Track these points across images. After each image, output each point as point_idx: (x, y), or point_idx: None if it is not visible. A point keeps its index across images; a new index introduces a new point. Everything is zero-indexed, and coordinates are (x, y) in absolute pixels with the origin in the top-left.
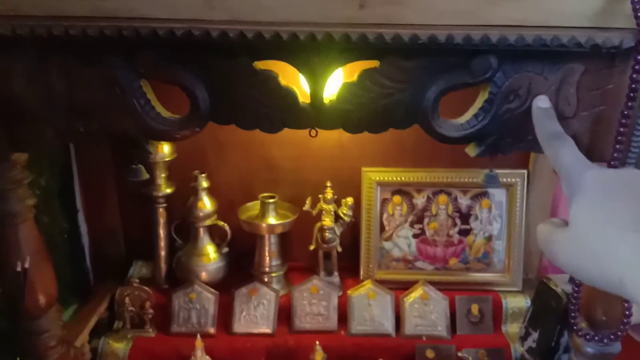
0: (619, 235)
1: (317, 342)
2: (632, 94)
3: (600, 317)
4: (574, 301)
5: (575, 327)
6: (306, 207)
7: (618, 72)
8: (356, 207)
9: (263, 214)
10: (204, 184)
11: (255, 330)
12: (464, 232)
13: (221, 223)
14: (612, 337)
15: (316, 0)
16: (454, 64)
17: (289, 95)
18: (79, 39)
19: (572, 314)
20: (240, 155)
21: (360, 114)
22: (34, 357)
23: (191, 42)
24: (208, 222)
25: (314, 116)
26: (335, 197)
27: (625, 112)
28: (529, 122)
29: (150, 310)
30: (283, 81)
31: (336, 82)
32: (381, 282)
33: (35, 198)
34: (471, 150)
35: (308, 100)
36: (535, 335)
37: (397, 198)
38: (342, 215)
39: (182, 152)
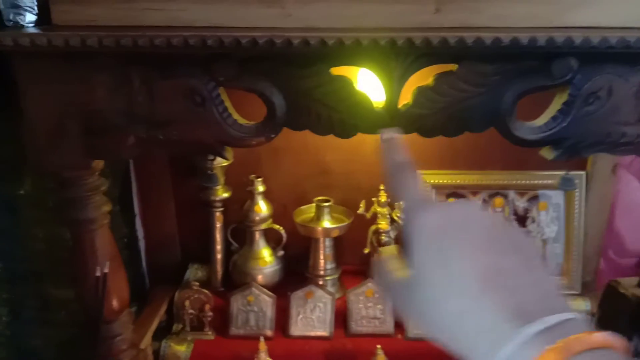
0: (462, 304)
1: (379, 346)
2: None
3: None
4: None
5: None
6: (360, 210)
7: None
8: None
9: (318, 217)
10: (260, 188)
11: (312, 333)
12: None
13: (277, 227)
14: None
15: (391, 5)
16: (533, 66)
17: (364, 101)
18: (162, 49)
19: None
20: (293, 160)
21: (435, 118)
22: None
23: (270, 50)
24: (264, 226)
25: (389, 121)
26: (389, 200)
27: None
28: (608, 124)
29: (210, 313)
30: (355, 83)
31: (408, 88)
32: None
33: (110, 205)
34: (547, 153)
35: (381, 105)
36: None
37: (452, 201)
38: (396, 218)
39: (238, 158)
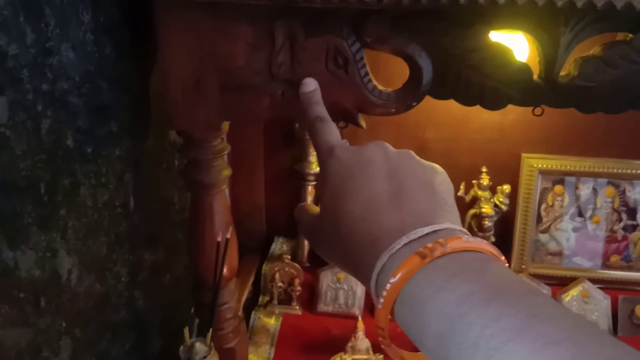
0: (349, 226)
1: None
2: None
3: None
4: None
5: None
6: (460, 192)
7: None
8: (512, 196)
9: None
10: None
11: None
12: (630, 228)
13: None
14: None
15: None
16: None
17: (523, 71)
18: (315, 3)
19: None
20: (392, 135)
21: (600, 92)
22: (213, 328)
23: (430, 8)
24: None
25: (547, 93)
26: (491, 183)
27: None
28: None
29: (299, 288)
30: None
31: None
32: (534, 276)
33: (230, 170)
34: None
35: (541, 76)
36: None
37: (558, 188)
38: (497, 203)
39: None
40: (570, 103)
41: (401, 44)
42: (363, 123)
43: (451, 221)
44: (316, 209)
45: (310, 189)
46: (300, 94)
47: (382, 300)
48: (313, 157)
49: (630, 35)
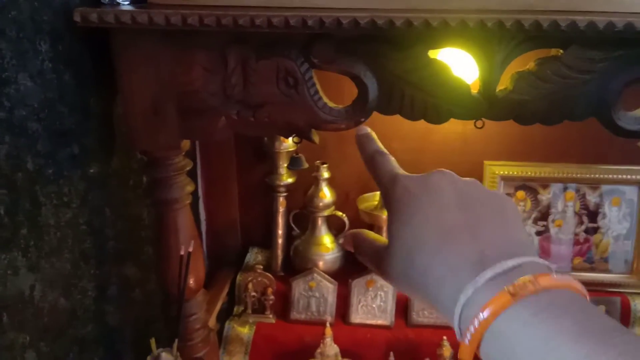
0: (424, 259)
1: (445, 337)
2: None
3: None
4: None
5: None
6: None
7: None
8: None
9: (382, 205)
10: (325, 174)
11: (373, 322)
12: (591, 231)
13: (339, 214)
14: None
15: None
16: None
17: (461, 86)
18: (262, 29)
19: None
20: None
21: (536, 105)
22: (181, 338)
23: (371, 31)
24: (327, 212)
25: (485, 107)
26: None
27: None
28: None
29: (272, 297)
30: (455, 72)
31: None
32: None
33: (193, 185)
34: None
35: (478, 91)
36: None
37: (520, 193)
38: None
39: (303, 143)
40: (508, 116)
41: (347, 64)
42: (316, 139)
43: (530, 252)
44: (378, 237)
45: (281, 200)
46: (356, 137)
47: (469, 336)
48: (282, 170)
49: (561, 51)
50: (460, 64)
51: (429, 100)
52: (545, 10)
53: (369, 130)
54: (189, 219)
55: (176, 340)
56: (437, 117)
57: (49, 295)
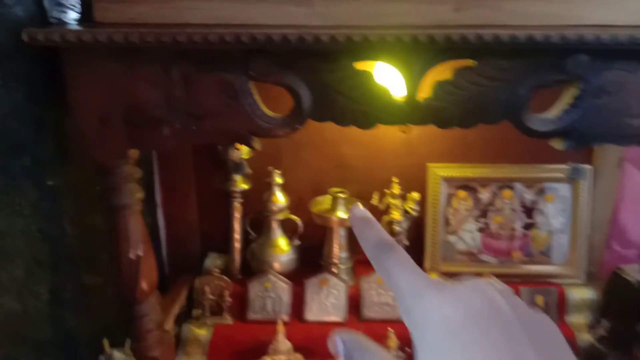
0: None
1: (390, 329)
2: None
3: None
4: None
5: None
6: (374, 201)
7: None
8: (422, 203)
9: (333, 207)
10: (278, 180)
11: (327, 319)
12: (528, 226)
13: (293, 217)
14: None
15: (412, 4)
16: (547, 62)
17: (385, 94)
18: (199, 45)
19: None
20: (312, 154)
21: (453, 111)
22: (135, 339)
23: (300, 46)
24: (281, 216)
25: (409, 113)
26: (402, 192)
27: None
28: (617, 117)
29: (229, 299)
30: (378, 81)
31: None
32: (446, 275)
33: (143, 192)
34: (558, 144)
35: (402, 99)
36: (606, 324)
37: (462, 193)
38: (408, 209)
39: (258, 151)
40: (429, 121)
41: (282, 77)
42: (258, 145)
43: None
44: (379, 352)
45: (237, 205)
46: (350, 220)
47: None
48: (238, 177)
49: (474, 62)
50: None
51: (357, 108)
52: (459, 25)
53: (366, 213)
54: (139, 225)
55: (128, 340)
56: (365, 123)
57: (2, 300)
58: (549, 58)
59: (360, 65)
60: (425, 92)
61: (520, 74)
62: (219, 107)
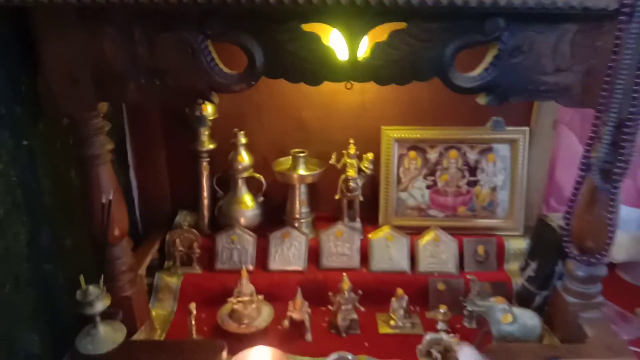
0: None
1: (344, 274)
2: (616, 49)
3: (589, 243)
4: (566, 232)
5: (568, 252)
6: (332, 160)
7: (606, 31)
8: (376, 162)
9: (294, 166)
10: (243, 140)
11: (289, 268)
12: (472, 184)
13: (257, 175)
14: (598, 257)
15: None
16: (469, 25)
17: (330, 54)
18: (160, 7)
19: (566, 243)
20: (274, 117)
21: (389, 69)
22: (108, 279)
23: (251, 8)
24: (246, 174)
25: (351, 71)
26: (358, 152)
27: (610, 64)
28: (530, 74)
29: (198, 250)
30: (325, 41)
31: (367, 43)
32: (397, 227)
33: (113, 144)
34: (482, 99)
35: (345, 58)
36: (534, 265)
37: (412, 153)
38: (363, 168)
39: (223, 113)
40: (369, 78)
41: (236, 37)
42: (216, 99)
43: None
44: None
45: (204, 164)
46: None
47: None
48: (204, 137)
49: (406, 24)
50: None
51: (305, 66)
52: None
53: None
54: (110, 174)
55: (102, 276)
56: (313, 79)
57: None
58: (471, 21)
59: (309, 28)
60: (365, 52)
61: (446, 36)
62: (179, 64)
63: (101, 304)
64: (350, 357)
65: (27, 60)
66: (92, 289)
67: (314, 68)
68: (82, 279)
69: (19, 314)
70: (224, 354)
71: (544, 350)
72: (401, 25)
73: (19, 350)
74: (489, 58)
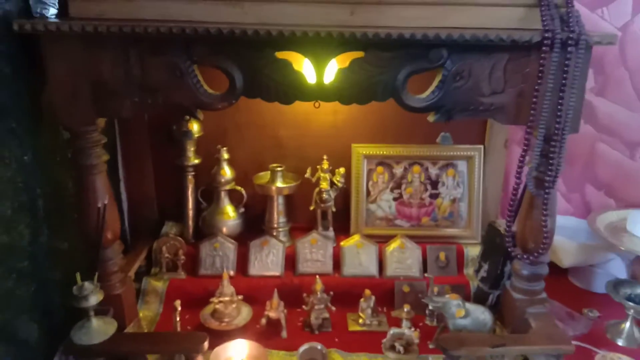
0: None
1: (317, 276)
2: (540, 75)
3: (530, 245)
4: (508, 235)
5: (511, 252)
6: (307, 174)
7: (533, 59)
8: (347, 176)
9: (273, 179)
10: (225, 155)
11: (267, 273)
12: (434, 196)
13: (239, 188)
14: (536, 254)
15: (319, 8)
16: (417, 54)
17: (300, 77)
18: (153, 35)
19: (508, 244)
20: (253, 134)
21: (350, 91)
22: (100, 279)
23: (231, 38)
24: (228, 187)
25: (318, 92)
26: (331, 167)
27: (537, 87)
28: (470, 96)
29: (183, 257)
30: (296, 67)
31: (333, 69)
32: (367, 236)
33: (108, 155)
34: (431, 117)
35: (313, 81)
36: (486, 267)
37: (380, 168)
38: (336, 182)
39: (207, 131)
40: (334, 99)
41: (218, 61)
42: (201, 116)
43: None
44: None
45: (190, 177)
46: None
47: None
48: (190, 153)
49: (363, 53)
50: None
51: (279, 88)
52: (352, 26)
53: None
54: (105, 181)
55: (96, 273)
56: (286, 99)
57: None
58: (418, 51)
59: (283, 55)
60: (330, 76)
61: (398, 63)
62: (168, 84)
63: (95, 298)
64: (319, 347)
65: (33, 79)
66: (87, 284)
67: (286, 89)
68: (78, 276)
69: (20, 305)
70: (206, 344)
71: (491, 339)
72: (360, 54)
73: (20, 338)
74: (435, 82)
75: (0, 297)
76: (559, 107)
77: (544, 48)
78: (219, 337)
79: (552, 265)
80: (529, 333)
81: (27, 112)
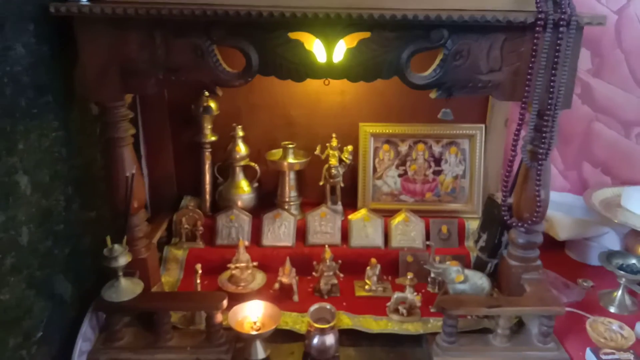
0: None
1: (326, 246)
2: (533, 54)
3: (525, 214)
4: (504, 205)
5: (507, 221)
6: (317, 151)
7: (527, 39)
8: (354, 153)
9: (284, 156)
10: (240, 133)
11: (279, 244)
12: (437, 173)
13: (253, 164)
14: (530, 222)
15: None
16: (419, 34)
17: (311, 56)
18: (177, 17)
19: (504, 214)
20: (266, 114)
21: (358, 69)
22: (128, 244)
23: (248, 19)
24: (243, 163)
25: (327, 70)
26: (339, 145)
27: (530, 66)
28: (469, 74)
29: (201, 228)
30: (307, 47)
31: (342, 48)
32: (373, 211)
33: (134, 129)
34: (432, 94)
35: (323, 60)
36: (484, 237)
37: (386, 146)
38: (344, 159)
39: (223, 111)
40: (343, 76)
41: (236, 42)
42: (220, 92)
43: None
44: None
45: (207, 154)
46: None
47: None
48: (207, 130)
49: (369, 33)
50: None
51: (291, 66)
52: (360, 7)
53: None
54: (132, 153)
55: (125, 237)
56: (298, 77)
57: (35, 194)
58: (420, 31)
59: (295, 35)
60: (339, 55)
61: (402, 43)
62: (190, 63)
63: (124, 259)
64: (328, 306)
65: (67, 58)
66: (117, 246)
67: (298, 68)
68: (108, 239)
69: (56, 264)
70: (225, 302)
71: (487, 300)
72: (367, 34)
73: (57, 296)
74: (436, 61)
75: (42, 255)
76: (552, 84)
77: (537, 28)
78: (236, 299)
79: (550, 239)
80: (523, 296)
81: (61, 89)
